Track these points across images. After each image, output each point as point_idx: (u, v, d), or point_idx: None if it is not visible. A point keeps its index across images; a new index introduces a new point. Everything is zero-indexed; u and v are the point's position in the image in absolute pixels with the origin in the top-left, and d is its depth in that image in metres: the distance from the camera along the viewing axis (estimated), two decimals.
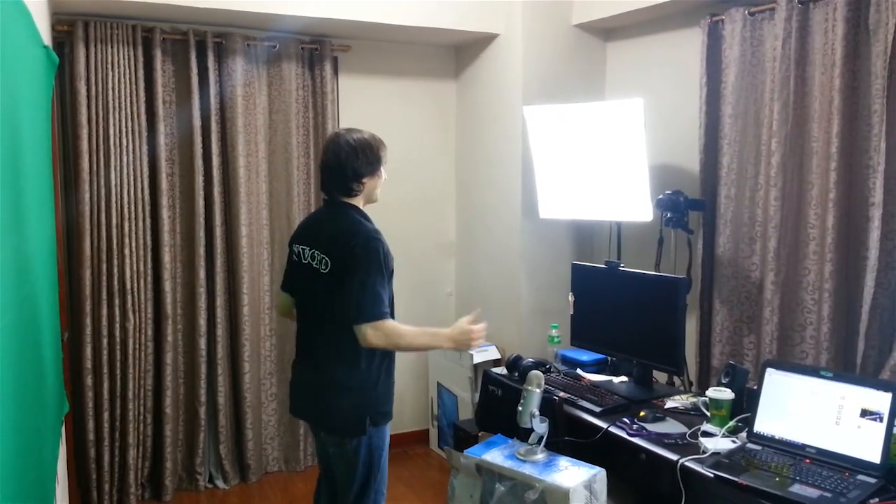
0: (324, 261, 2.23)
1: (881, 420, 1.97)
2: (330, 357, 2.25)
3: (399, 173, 3.93)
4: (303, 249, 2.32)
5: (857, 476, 1.93)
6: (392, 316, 2.20)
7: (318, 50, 3.68)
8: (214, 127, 3.48)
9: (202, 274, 3.51)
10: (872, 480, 1.90)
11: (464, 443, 3.12)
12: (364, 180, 2.26)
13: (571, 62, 3.68)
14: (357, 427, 2.22)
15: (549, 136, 3.38)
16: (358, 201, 2.30)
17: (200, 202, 3.48)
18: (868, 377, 2.41)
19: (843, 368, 2.58)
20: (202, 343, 3.53)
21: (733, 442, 2.23)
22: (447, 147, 4.20)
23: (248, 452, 3.66)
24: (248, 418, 3.64)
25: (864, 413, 2.01)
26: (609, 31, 3.72)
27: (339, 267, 2.18)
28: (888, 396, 1.98)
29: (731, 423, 2.33)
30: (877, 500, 1.83)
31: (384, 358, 2.26)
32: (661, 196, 3.02)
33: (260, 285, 3.67)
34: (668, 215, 3.01)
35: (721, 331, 3.01)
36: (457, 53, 4.13)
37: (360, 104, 3.89)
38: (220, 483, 3.65)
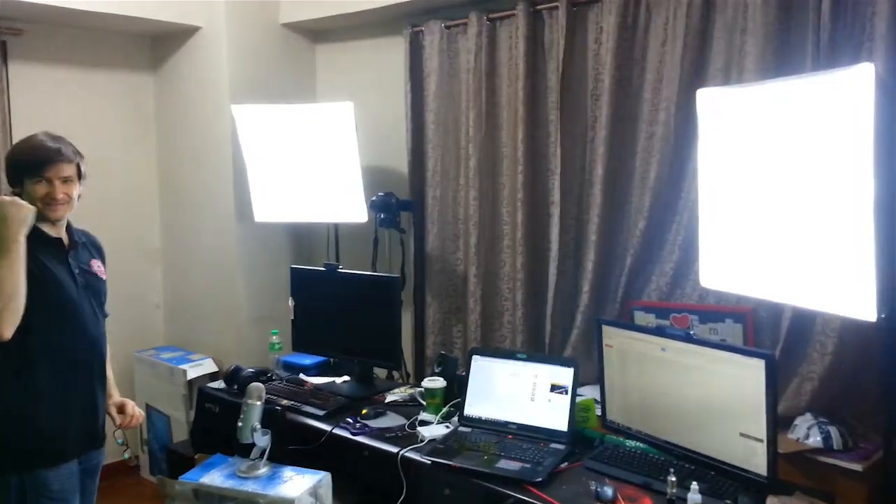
0: None
1: (566, 393, 2.26)
2: None
3: (90, 173, 3.52)
4: None
5: (551, 445, 2.19)
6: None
7: None
8: None
9: None
10: (562, 447, 2.17)
11: (180, 467, 2.89)
12: (14, 190, 1.99)
13: (280, 62, 3.62)
14: None
15: (260, 136, 3.29)
16: None
17: None
18: (554, 356, 2.75)
19: (535, 348, 2.91)
20: None
21: (447, 427, 2.38)
22: (146, 145, 3.85)
23: None
24: None
25: (553, 388, 2.29)
26: (317, 32, 3.73)
27: None
28: (571, 371, 2.27)
29: (445, 410, 2.48)
30: (566, 464, 2.09)
31: (34, 384, 1.95)
32: (374, 198, 3.11)
33: None
34: (382, 216, 3.11)
35: (433, 323, 3.21)
36: (153, 44, 3.80)
37: (37, 96, 3.38)
38: None
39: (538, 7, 2.85)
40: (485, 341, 3.04)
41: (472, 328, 3.06)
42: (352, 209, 3.13)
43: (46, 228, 2.00)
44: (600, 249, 2.75)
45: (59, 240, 2.05)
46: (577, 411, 2.24)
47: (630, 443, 2.17)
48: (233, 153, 3.43)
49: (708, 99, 2.15)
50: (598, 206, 2.73)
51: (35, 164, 1.96)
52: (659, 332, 2.09)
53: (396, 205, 3.14)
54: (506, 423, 2.34)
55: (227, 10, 3.41)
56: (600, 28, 2.72)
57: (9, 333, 1.82)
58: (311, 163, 3.19)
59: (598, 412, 2.31)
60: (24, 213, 1.90)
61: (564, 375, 2.28)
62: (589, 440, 2.24)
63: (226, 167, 3.49)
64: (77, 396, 2.04)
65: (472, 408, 2.42)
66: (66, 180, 1.99)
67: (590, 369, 2.47)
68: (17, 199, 1.92)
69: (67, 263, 2.04)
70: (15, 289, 1.84)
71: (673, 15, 2.55)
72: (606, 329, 2.21)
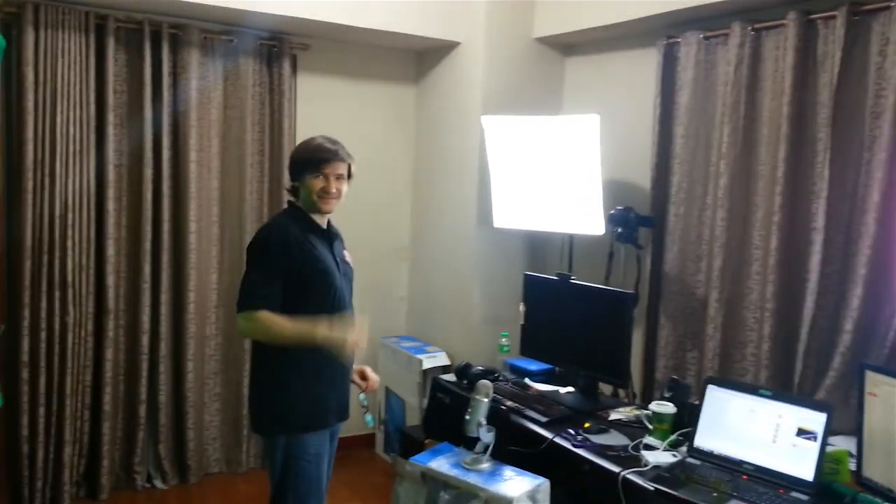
0: None
1: (815, 439, 2.05)
2: (252, 354, 2.38)
3: (357, 174, 3.92)
4: None
5: (791, 493, 2.00)
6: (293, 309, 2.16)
7: (276, 47, 3.64)
8: (166, 119, 3.40)
9: (147, 269, 3.42)
10: (805, 498, 1.98)
11: (410, 449, 3.11)
12: (294, 183, 2.29)
13: (531, 74, 3.72)
14: (262, 427, 2.24)
15: (506, 146, 3.41)
16: (300, 202, 2.30)
17: (148, 196, 3.40)
18: (804, 397, 2.49)
19: (781, 387, 2.66)
20: (145, 340, 3.45)
21: (674, 456, 2.29)
22: (406, 151, 4.19)
23: (188, 453, 3.59)
24: (189, 418, 3.57)
25: (800, 432, 2.09)
26: (569, 46, 3.78)
27: None
28: (823, 416, 2.06)
29: (673, 437, 2.38)
30: None
31: (302, 360, 2.19)
32: (612, 211, 3.07)
33: (208, 283, 3.60)
34: (619, 230, 3.07)
35: (665, 345, 3.08)
36: (417, 58, 4.13)
37: (317, 103, 3.85)
38: (158, 483, 3.57)
39: (812, 16, 2.62)
40: (722, 372, 2.84)
41: (710, 356, 2.88)
42: (589, 221, 3.12)
43: (317, 219, 2.29)
44: (870, 285, 2.43)
45: (326, 230, 2.32)
46: (826, 461, 2.03)
47: None
48: (479, 161, 3.60)
49: None
50: (870, 237, 2.42)
51: (316, 161, 2.23)
52: None
53: (635, 220, 3.08)
54: (740, 462, 2.18)
55: (485, 27, 3.59)
56: (886, 39, 2.43)
57: (242, 334, 2.13)
58: (552, 173, 3.24)
59: (852, 466, 2.06)
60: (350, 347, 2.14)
61: (815, 420, 2.07)
62: (837, 495, 2.01)
63: (471, 174, 3.67)
64: (335, 373, 2.28)
65: (704, 440, 2.29)
66: (339, 177, 2.25)
67: (845, 418, 2.20)
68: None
69: (332, 252, 2.30)
70: (282, 339, 2.14)
71: None
72: (872, 376, 1.97)
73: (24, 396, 3.19)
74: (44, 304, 3.20)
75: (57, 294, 3.22)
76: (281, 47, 3.63)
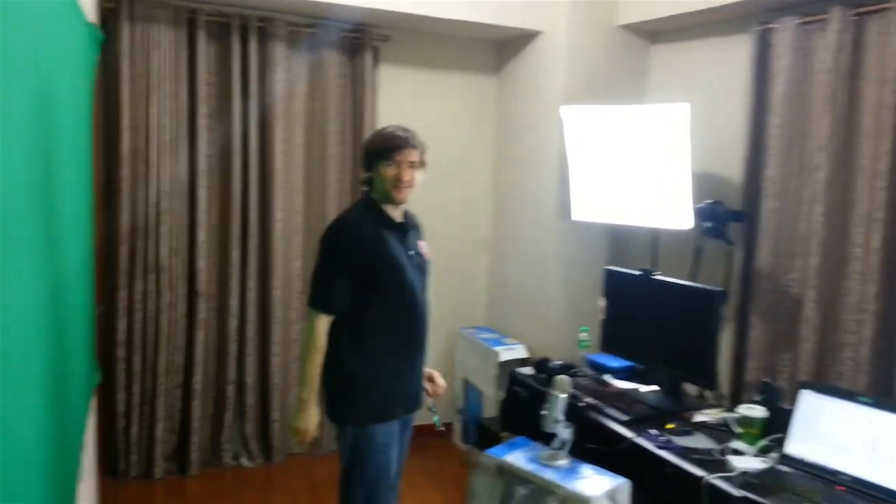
0: None
1: None
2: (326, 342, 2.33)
3: (435, 166, 3.91)
4: None
5: None
6: (361, 313, 2.21)
7: (359, 39, 3.67)
8: (254, 111, 3.50)
9: (236, 255, 3.55)
10: None
11: (487, 441, 3.11)
12: (368, 173, 2.29)
13: (614, 63, 3.63)
14: (334, 415, 2.25)
15: (587, 136, 3.34)
16: (374, 193, 2.29)
17: (237, 184, 3.51)
18: None
19: (882, 394, 2.51)
20: (233, 323, 3.58)
21: (763, 462, 2.20)
22: (486, 142, 4.17)
23: (273, 433, 3.71)
24: (274, 400, 3.68)
25: None
26: (655, 33, 3.66)
27: None
28: None
29: (763, 443, 2.29)
30: None
31: (372, 352, 2.22)
32: (701, 205, 2.96)
33: (292, 270, 3.69)
34: (708, 225, 2.95)
35: (756, 346, 2.95)
36: (498, 49, 4.09)
37: (398, 95, 3.87)
38: (244, 461, 3.70)
39: None
40: (818, 376, 2.70)
41: (804, 359, 2.74)
42: (676, 215, 3.02)
43: (390, 211, 2.27)
44: None
45: (400, 224, 2.30)
46: None
47: None
48: (561, 153, 3.54)
49: None
50: None
51: (388, 149, 2.23)
52: None
53: (725, 214, 2.96)
54: (835, 472, 2.08)
55: (568, 15, 3.52)
56: None
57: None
58: (637, 164, 3.14)
59: None
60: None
61: None
62: None
63: (553, 166, 3.61)
64: (408, 365, 2.29)
65: (796, 446, 2.19)
66: (411, 165, 2.23)
67: None
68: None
69: (405, 246, 2.29)
70: (302, 360, 2.25)
71: None
72: None
73: (120, 374, 3.37)
74: (139, 287, 3.36)
75: (152, 277, 3.38)
76: (363, 39, 3.67)
